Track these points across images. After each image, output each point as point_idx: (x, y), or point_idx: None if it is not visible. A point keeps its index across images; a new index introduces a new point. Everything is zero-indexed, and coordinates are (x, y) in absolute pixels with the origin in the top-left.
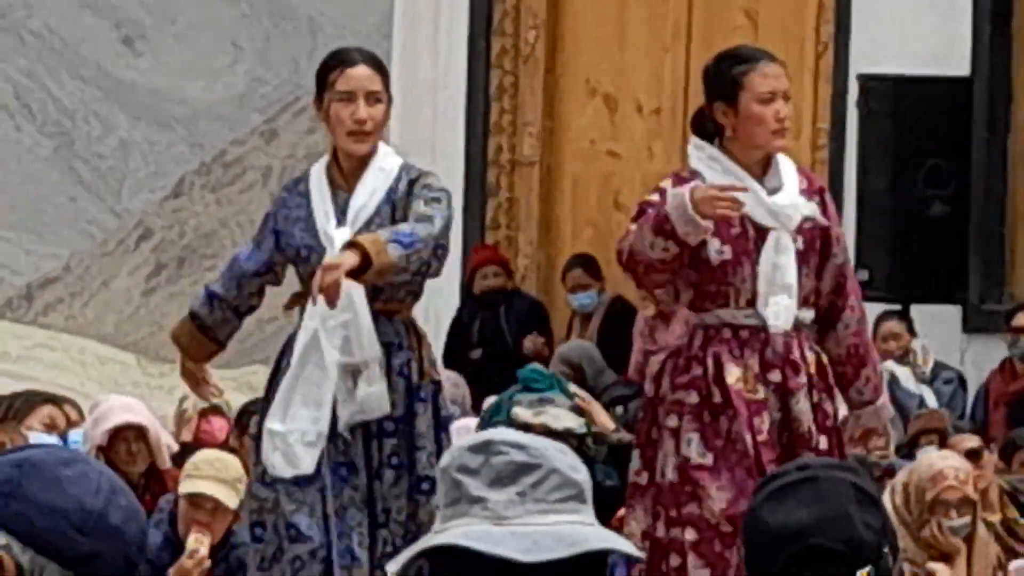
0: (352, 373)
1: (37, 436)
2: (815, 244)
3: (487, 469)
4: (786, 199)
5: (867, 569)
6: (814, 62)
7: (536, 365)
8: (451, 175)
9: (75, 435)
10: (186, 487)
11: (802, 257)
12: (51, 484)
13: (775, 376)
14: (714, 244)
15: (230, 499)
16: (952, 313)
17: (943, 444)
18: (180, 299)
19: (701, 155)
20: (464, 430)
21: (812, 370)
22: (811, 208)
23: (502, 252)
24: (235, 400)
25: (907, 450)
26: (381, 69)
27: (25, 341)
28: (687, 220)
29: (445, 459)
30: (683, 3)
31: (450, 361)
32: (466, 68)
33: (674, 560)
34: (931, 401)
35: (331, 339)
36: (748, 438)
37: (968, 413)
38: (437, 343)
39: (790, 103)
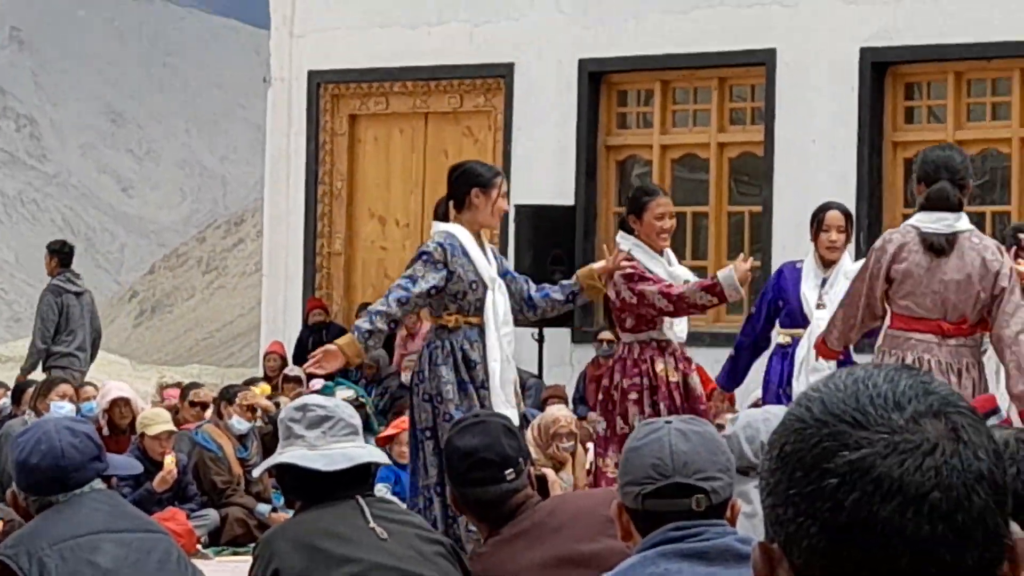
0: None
1: (55, 404)
2: None
3: (304, 419)
4: (679, 269)
5: (510, 469)
6: None
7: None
8: (297, 262)
9: (90, 404)
10: (153, 431)
11: None
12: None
13: (682, 366)
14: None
15: (173, 427)
16: (565, 333)
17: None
18: (153, 331)
19: (629, 243)
20: None
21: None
22: (689, 274)
23: (324, 301)
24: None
25: (538, 408)
26: None
27: None
28: (734, 288)
29: (281, 414)
30: (420, 164)
31: (299, 360)
32: (303, 203)
33: None
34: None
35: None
36: (666, 405)
37: (574, 387)
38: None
39: (673, 220)
